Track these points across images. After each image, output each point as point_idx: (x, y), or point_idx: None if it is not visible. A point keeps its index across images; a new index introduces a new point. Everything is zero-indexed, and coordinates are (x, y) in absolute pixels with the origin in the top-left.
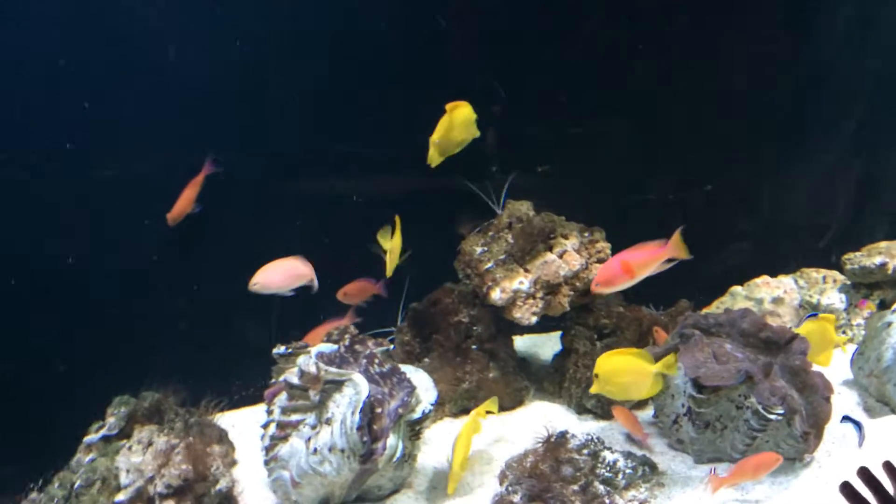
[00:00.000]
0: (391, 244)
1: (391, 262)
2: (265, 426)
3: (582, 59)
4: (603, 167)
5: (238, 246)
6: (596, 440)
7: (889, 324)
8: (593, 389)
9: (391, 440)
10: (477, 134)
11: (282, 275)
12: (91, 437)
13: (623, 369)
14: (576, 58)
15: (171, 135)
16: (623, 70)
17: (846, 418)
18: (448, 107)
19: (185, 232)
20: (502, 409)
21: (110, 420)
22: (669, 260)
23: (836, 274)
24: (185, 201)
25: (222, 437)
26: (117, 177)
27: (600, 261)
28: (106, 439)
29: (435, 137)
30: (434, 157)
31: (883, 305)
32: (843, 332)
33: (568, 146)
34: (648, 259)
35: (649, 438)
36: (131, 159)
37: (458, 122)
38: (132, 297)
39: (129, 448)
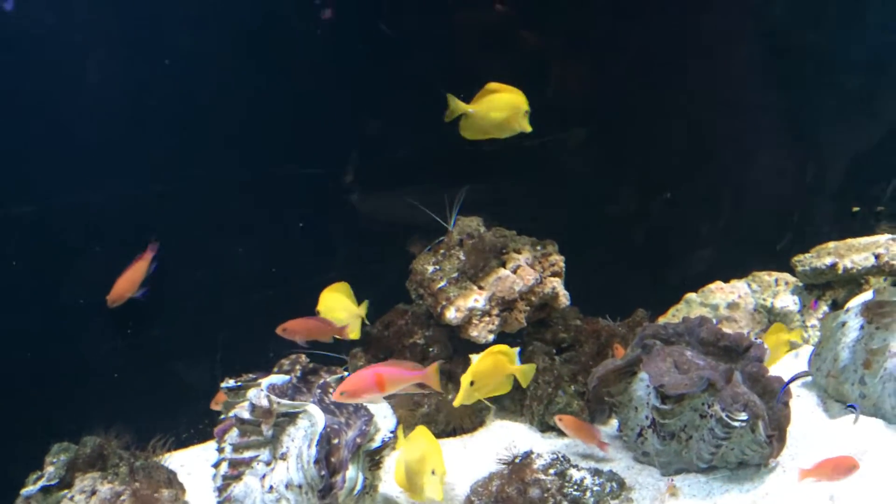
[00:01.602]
0: (354, 310)
1: (354, 326)
2: (216, 465)
3: (535, 67)
4: (557, 177)
5: (178, 279)
6: (562, 459)
7: (843, 323)
8: (461, 401)
9: (350, 472)
10: (527, 129)
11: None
12: (29, 489)
13: (493, 371)
14: (529, 66)
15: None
16: (578, 78)
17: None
18: (493, 84)
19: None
20: (463, 431)
21: (49, 469)
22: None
23: (787, 276)
24: (127, 283)
25: (171, 479)
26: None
27: (554, 274)
28: (45, 490)
29: (470, 107)
30: (465, 128)
31: (835, 305)
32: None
33: (521, 157)
34: (402, 378)
35: (614, 451)
36: (65, 189)
37: (502, 104)
38: (67, 338)
39: (72, 498)
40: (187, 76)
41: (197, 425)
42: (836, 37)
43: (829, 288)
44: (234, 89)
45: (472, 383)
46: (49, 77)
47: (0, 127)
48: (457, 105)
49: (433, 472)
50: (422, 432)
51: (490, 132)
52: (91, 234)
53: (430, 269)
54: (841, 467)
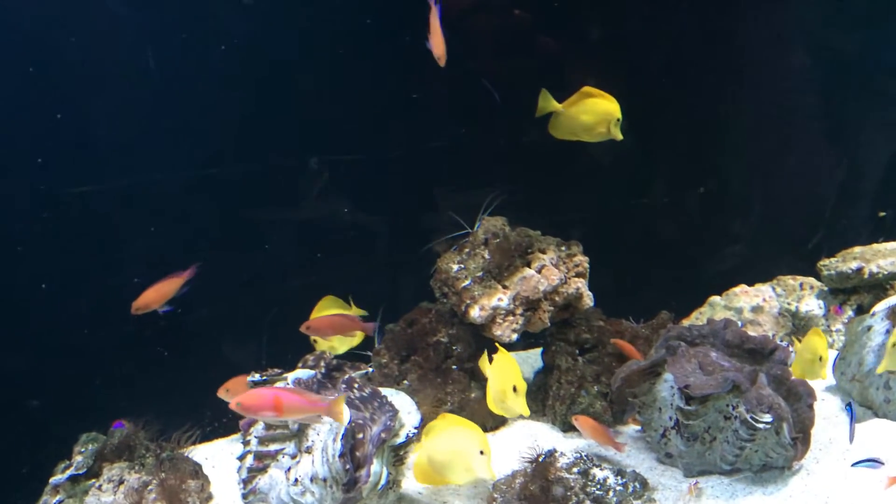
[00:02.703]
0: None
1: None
2: (241, 458)
3: (559, 63)
4: (582, 177)
5: (203, 274)
6: (585, 458)
7: (869, 327)
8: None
9: (375, 467)
10: (618, 136)
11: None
12: (58, 478)
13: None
14: (553, 62)
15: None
16: (606, 75)
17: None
18: (589, 89)
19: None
20: (485, 429)
21: (77, 458)
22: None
23: (812, 280)
24: (156, 295)
25: (197, 471)
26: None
27: (579, 274)
28: (74, 479)
29: (560, 106)
30: (554, 127)
31: (860, 310)
32: None
33: (547, 156)
34: (301, 406)
35: (637, 452)
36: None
37: (594, 108)
38: (96, 329)
39: (100, 487)
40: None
41: (221, 419)
42: (871, 39)
43: (854, 292)
44: (269, 82)
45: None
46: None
47: None
48: (548, 102)
49: (514, 389)
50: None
51: (578, 134)
52: (120, 220)
53: (455, 267)
54: None
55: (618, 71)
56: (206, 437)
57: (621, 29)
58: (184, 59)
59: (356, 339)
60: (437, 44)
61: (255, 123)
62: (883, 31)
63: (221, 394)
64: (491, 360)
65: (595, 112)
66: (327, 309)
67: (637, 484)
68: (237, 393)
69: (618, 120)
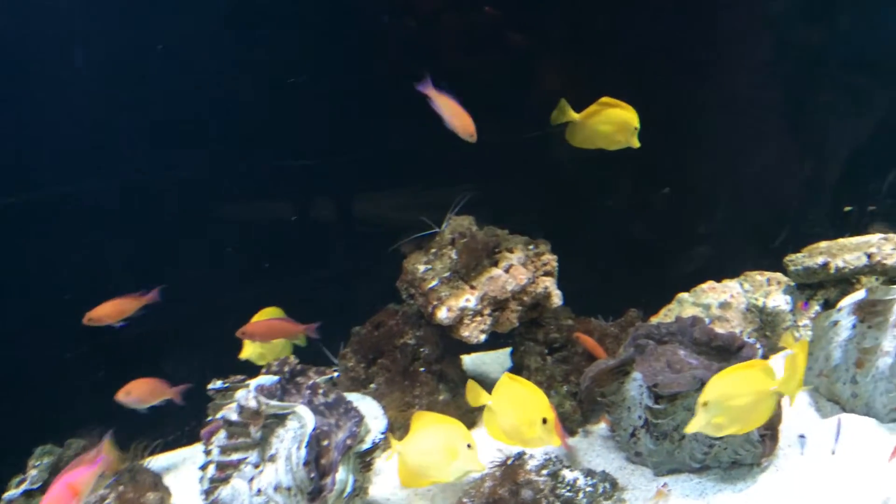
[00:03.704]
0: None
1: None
2: (203, 468)
3: (525, 63)
4: (549, 176)
5: (163, 277)
6: (555, 459)
7: (835, 323)
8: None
9: (340, 474)
10: (635, 144)
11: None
12: (11, 493)
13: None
14: (518, 62)
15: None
16: (568, 74)
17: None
18: (607, 99)
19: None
20: None
21: (32, 473)
22: None
23: (779, 276)
24: (113, 310)
25: (157, 482)
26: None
27: (547, 273)
28: (28, 494)
29: (577, 116)
30: (571, 136)
31: (827, 305)
32: (791, 334)
33: (512, 155)
34: (88, 477)
35: (606, 452)
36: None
37: (612, 118)
38: (50, 338)
39: None
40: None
41: (184, 427)
42: (832, 34)
43: (821, 287)
44: (227, 86)
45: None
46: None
47: None
48: (565, 112)
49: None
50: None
51: (596, 143)
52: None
53: (422, 268)
54: None
55: (583, 69)
56: (169, 446)
57: (586, 26)
58: (119, 62)
59: (287, 348)
60: (466, 124)
61: (223, 126)
62: (847, 25)
63: (121, 397)
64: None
65: (614, 122)
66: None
67: (607, 484)
68: (139, 396)
69: (635, 128)
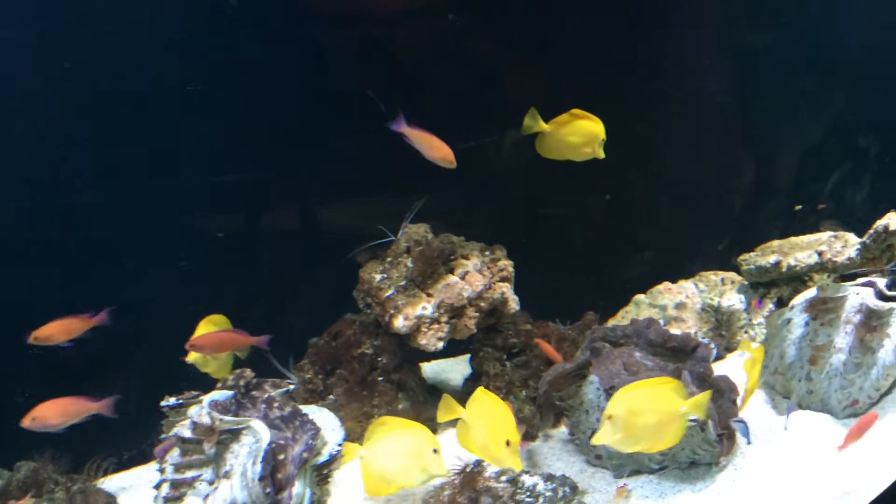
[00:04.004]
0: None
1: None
2: (157, 486)
3: (472, 70)
4: (503, 182)
5: (115, 293)
6: None
7: (788, 321)
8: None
9: (297, 488)
10: (601, 155)
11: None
12: None
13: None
14: (467, 68)
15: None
16: (515, 79)
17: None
18: (577, 111)
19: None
20: None
21: None
22: None
23: (733, 275)
24: (60, 330)
25: (111, 503)
26: None
27: (503, 279)
28: None
29: (547, 127)
30: (541, 147)
31: (781, 303)
32: (746, 332)
33: (463, 164)
34: None
35: (567, 455)
36: None
37: (580, 129)
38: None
39: None
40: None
41: (140, 445)
42: (777, 37)
43: (774, 286)
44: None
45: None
46: None
47: None
48: (535, 122)
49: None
50: (488, 399)
51: (565, 154)
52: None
53: (378, 277)
54: (865, 423)
55: (527, 74)
56: (124, 466)
57: (533, 32)
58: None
59: (227, 363)
60: (444, 154)
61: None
62: (793, 27)
63: (27, 423)
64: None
65: (582, 133)
66: (207, 328)
67: (567, 488)
68: (46, 420)
69: (602, 140)
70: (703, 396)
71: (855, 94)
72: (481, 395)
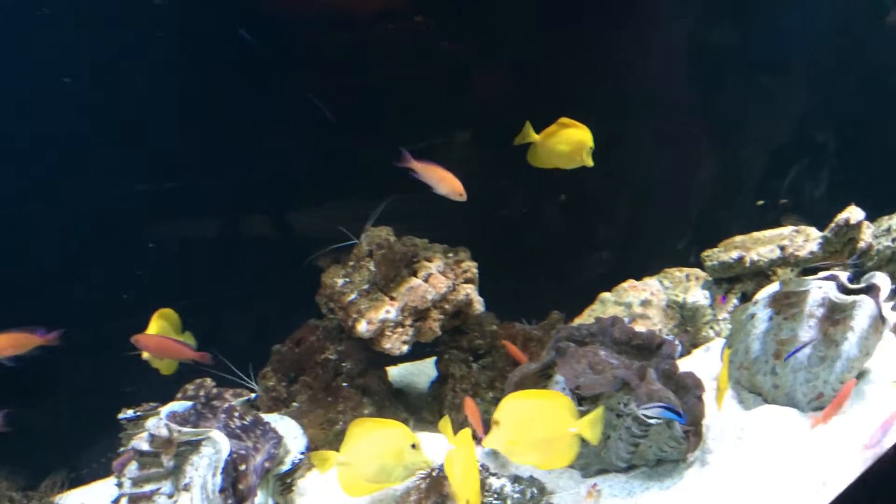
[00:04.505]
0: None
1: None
2: (116, 501)
3: (428, 69)
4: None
5: (70, 300)
6: (481, 468)
7: (753, 315)
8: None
9: (259, 498)
10: (589, 163)
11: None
12: None
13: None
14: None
15: None
16: (463, 80)
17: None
18: (565, 120)
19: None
20: None
21: None
22: None
23: (698, 271)
24: (6, 344)
25: None
26: None
27: (468, 280)
28: None
29: (538, 137)
30: (532, 156)
31: (745, 298)
32: (711, 328)
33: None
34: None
35: None
36: None
37: (568, 138)
38: None
39: None
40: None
41: (99, 459)
42: (736, 34)
43: (738, 281)
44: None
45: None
46: None
47: None
48: (528, 133)
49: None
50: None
51: (555, 163)
52: None
53: (340, 281)
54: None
55: (491, 76)
56: (83, 481)
57: (491, 31)
58: None
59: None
60: (454, 186)
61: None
62: (752, 24)
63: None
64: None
65: (571, 142)
66: (158, 322)
67: (534, 489)
68: None
69: (590, 148)
70: (596, 414)
71: (813, 90)
72: (461, 449)
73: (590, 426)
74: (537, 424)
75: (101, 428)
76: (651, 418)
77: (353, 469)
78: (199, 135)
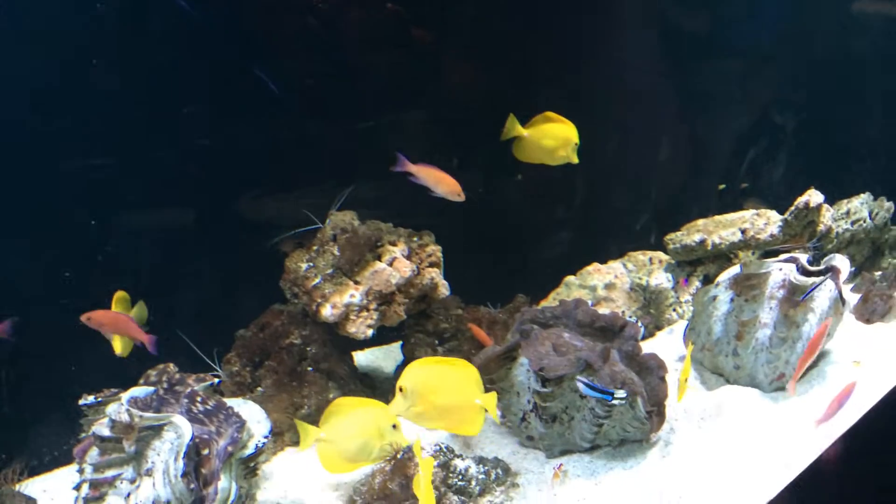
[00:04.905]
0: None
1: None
2: (77, 487)
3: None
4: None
5: (30, 283)
6: (445, 449)
7: (714, 297)
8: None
9: (223, 482)
10: (574, 160)
11: None
12: None
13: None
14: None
15: None
16: (418, 58)
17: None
18: (550, 114)
19: None
20: None
21: None
22: None
23: (661, 255)
24: None
25: None
26: None
27: (432, 264)
28: None
29: (524, 131)
30: (517, 150)
31: (707, 280)
32: (674, 310)
33: (361, 144)
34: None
35: (499, 437)
36: None
37: (554, 133)
38: None
39: None
40: None
41: (62, 446)
42: (694, 18)
43: (700, 264)
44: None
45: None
46: None
47: None
48: (514, 126)
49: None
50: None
51: (540, 158)
52: None
53: (304, 266)
54: (843, 395)
55: (447, 58)
56: (46, 468)
57: (449, 15)
58: None
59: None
60: (451, 187)
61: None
62: (710, 8)
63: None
64: None
65: (555, 137)
66: (117, 306)
67: (499, 470)
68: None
69: (575, 144)
70: (493, 396)
71: (775, 73)
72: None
73: (493, 402)
74: (442, 392)
75: (62, 414)
76: (614, 399)
77: (334, 446)
78: (156, 114)
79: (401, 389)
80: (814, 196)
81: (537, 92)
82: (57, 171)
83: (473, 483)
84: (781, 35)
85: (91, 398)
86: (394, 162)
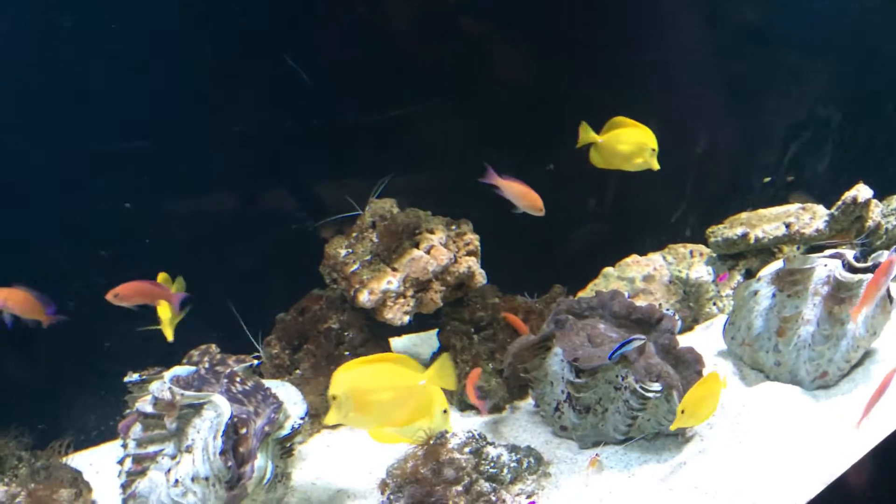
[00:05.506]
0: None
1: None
2: (121, 462)
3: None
4: (436, 154)
5: (81, 271)
6: (478, 437)
7: (756, 292)
8: None
9: (259, 461)
10: (655, 166)
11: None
12: None
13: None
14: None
15: None
16: (449, 50)
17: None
18: (621, 118)
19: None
20: None
21: None
22: None
23: (702, 247)
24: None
25: (75, 478)
26: None
27: (470, 253)
28: None
29: (599, 137)
30: (594, 157)
31: (749, 275)
32: (714, 304)
33: (394, 133)
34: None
35: (532, 426)
36: None
37: (629, 138)
38: None
39: None
40: None
41: (108, 422)
42: (740, 8)
43: (742, 258)
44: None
45: None
46: None
47: None
48: (587, 134)
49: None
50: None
51: (617, 164)
52: None
53: (343, 252)
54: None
55: (486, 46)
56: (92, 442)
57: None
58: None
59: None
60: (533, 201)
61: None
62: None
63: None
64: None
65: (631, 142)
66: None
67: (531, 459)
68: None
69: (653, 150)
70: (442, 359)
71: (819, 66)
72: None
73: (438, 373)
74: (379, 388)
75: (107, 391)
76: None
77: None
78: (200, 100)
79: (333, 398)
80: (862, 191)
81: (578, 82)
82: (103, 154)
83: (505, 471)
84: (833, 28)
85: (136, 376)
86: (482, 172)
